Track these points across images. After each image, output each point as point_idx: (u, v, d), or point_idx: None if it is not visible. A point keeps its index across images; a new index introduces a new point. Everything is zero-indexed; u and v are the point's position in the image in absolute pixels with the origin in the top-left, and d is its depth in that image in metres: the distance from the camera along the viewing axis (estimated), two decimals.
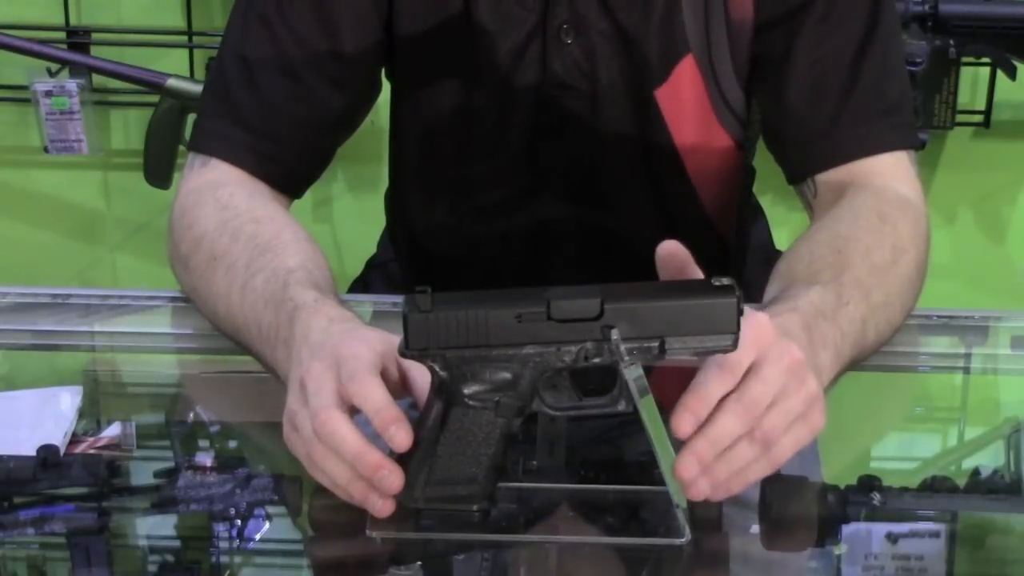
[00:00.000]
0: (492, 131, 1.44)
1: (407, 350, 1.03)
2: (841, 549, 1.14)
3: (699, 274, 1.07)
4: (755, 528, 1.12)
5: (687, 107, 1.42)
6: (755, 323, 1.05)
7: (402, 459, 1.03)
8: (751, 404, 1.03)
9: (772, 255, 1.58)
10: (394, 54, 1.44)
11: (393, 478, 1.02)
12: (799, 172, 1.40)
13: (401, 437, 1.02)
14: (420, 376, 1.07)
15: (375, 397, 1.03)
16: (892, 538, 1.13)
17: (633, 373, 1.02)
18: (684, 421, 1.02)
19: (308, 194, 1.45)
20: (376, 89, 1.46)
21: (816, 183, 1.38)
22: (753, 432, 1.03)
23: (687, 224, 1.49)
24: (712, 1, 1.39)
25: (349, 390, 1.04)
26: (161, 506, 1.17)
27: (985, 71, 2.38)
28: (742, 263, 1.58)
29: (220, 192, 1.35)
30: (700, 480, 1.03)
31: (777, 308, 1.16)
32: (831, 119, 1.37)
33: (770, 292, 1.24)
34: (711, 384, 1.03)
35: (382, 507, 1.04)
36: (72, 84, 2.32)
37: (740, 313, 1.02)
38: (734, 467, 1.04)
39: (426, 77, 1.45)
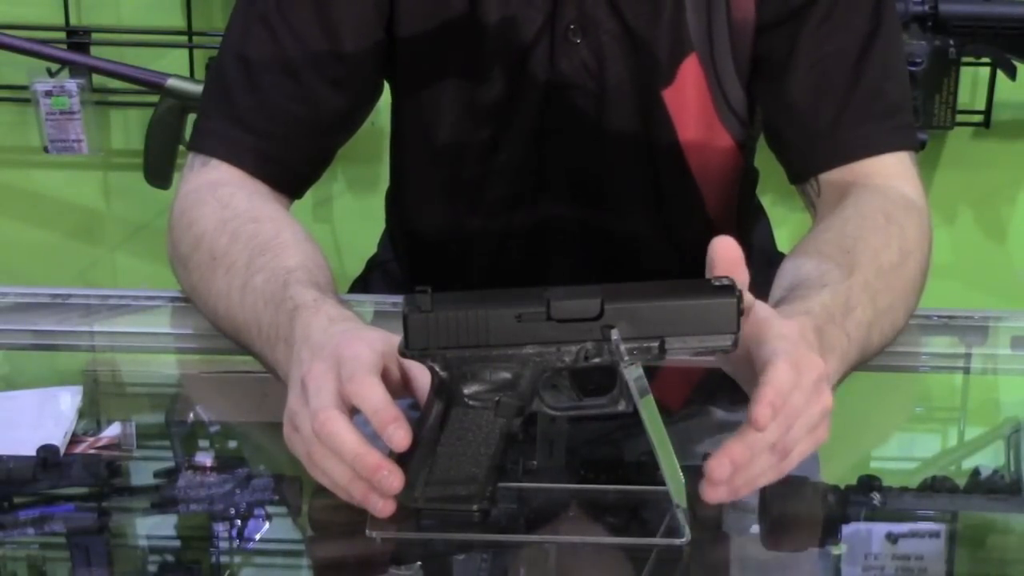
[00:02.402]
0: (495, 131, 1.43)
1: (407, 350, 1.03)
2: (841, 549, 1.14)
3: (746, 275, 1.06)
4: (755, 528, 1.12)
5: (691, 106, 1.42)
6: (793, 327, 1.06)
7: (402, 459, 1.03)
8: (791, 413, 1.03)
9: (774, 257, 1.57)
10: (395, 54, 1.43)
11: (393, 478, 1.02)
12: (802, 172, 1.40)
13: (400, 436, 1.02)
14: (421, 376, 1.07)
15: (374, 397, 1.03)
16: (892, 538, 1.13)
17: (633, 373, 1.02)
18: (764, 415, 1.01)
19: (308, 194, 1.45)
20: (377, 89, 1.46)
21: (820, 182, 1.38)
22: (776, 443, 1.04)
23: (688, 226, 1.49)
24: (714, 0, 1.39)
25: (348, 390, 1.03)
26: (161, 506, 1.17)
27: (985, 71, 2.38)
28: None
29: (220, 192, 1.34)
30: (721, 486, 1.03)
31: (788, 310, 1.15)
32: (834, 119, 1.37)
33: (777, 292, 1.24)
34: (786, 380, 1.02)
35: (382, 507, 1.04)
36: (72, 84, 2.31)
37: (740, 313, 1.02)
38: (752, 474, 1.04)
39: (429, 77, 1.44)
